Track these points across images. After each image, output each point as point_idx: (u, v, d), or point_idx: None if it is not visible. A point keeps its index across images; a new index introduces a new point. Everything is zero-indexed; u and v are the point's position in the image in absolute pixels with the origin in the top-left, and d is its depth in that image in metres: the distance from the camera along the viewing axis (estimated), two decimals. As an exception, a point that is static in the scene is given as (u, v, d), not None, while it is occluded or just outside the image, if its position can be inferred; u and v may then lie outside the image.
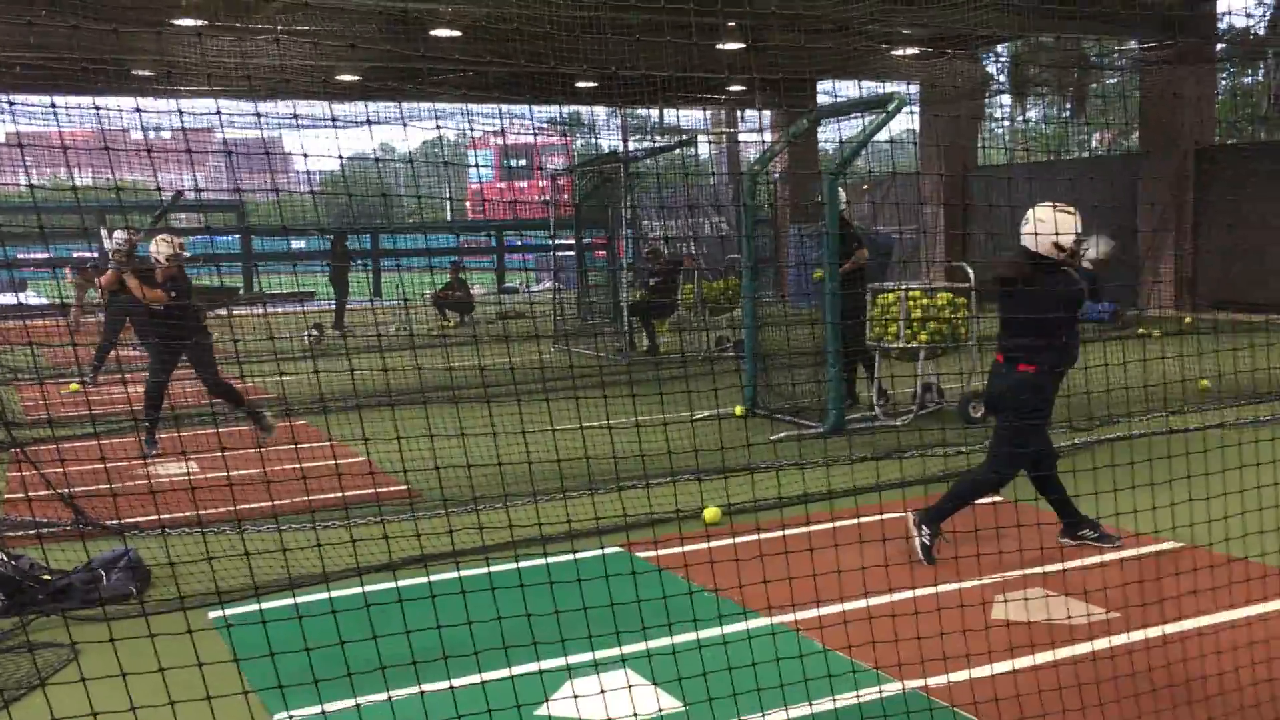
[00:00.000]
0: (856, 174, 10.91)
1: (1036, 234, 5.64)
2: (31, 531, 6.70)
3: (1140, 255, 18.73)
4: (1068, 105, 27.19)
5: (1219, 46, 20.24)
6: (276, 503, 6.21)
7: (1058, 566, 5.61)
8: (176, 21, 13.87)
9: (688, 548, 5.54)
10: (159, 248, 9.24)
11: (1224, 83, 27.36)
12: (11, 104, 10.20)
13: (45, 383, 12.57)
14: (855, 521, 5.11)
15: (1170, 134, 18.66)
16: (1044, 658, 4.38)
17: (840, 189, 10.14)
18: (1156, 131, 19.21)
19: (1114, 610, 4.87)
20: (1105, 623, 4.85)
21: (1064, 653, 4.43)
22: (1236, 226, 17.58)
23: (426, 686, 3.51)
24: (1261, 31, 21.74)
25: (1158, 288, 18.72)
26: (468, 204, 40.40)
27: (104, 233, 12.64)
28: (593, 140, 29.38)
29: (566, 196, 18.31)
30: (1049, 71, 23.06)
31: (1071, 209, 5.72)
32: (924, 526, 5.90)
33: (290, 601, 4.49)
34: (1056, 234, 5.62)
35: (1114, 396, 8.09)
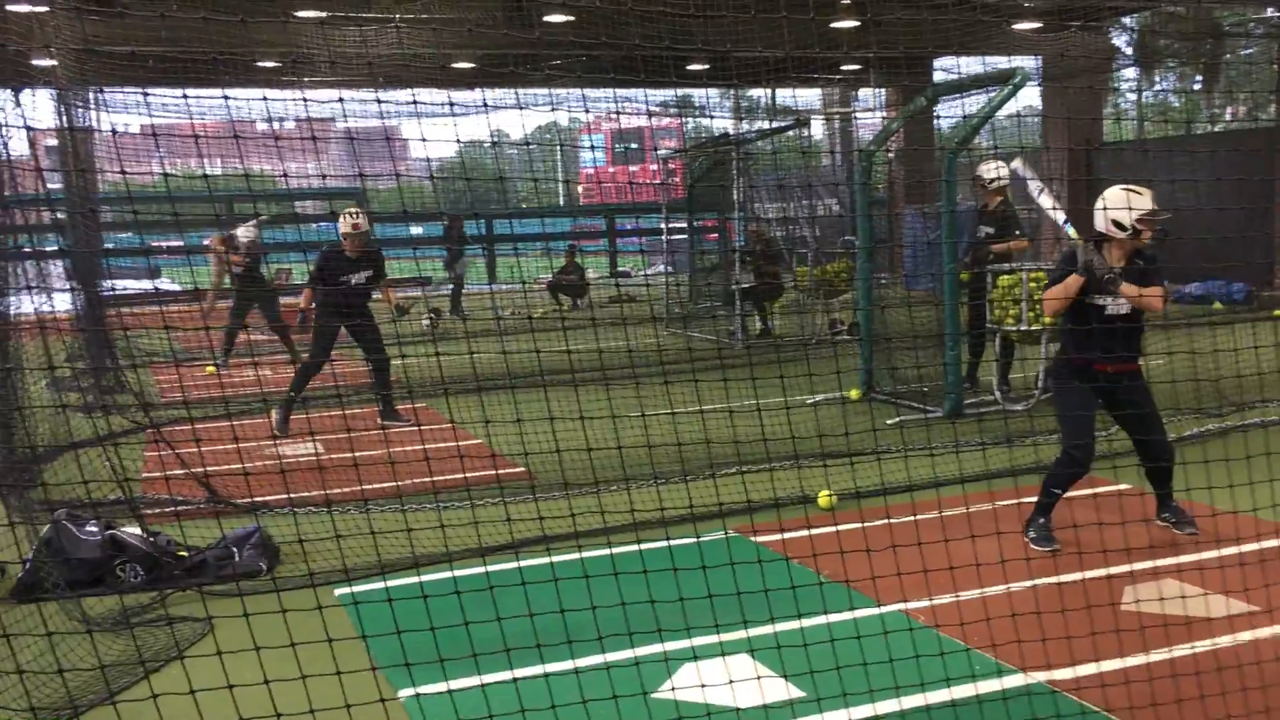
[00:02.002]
0: (975, 152, 10.64)
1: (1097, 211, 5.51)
2: (168, 509, 6.99)
3: (1276, 234, 17.90)
4: (1198, 77, 26.12)
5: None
6: (400, 483, 6.35)
7: (1191, 557, 5.42)
8: (299, 13, 14.24)
9: (799, 533, 5.50)
10: (341, 223, 9.40)
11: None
12: (147, 95, 10.60)
13: (180, 365, 13.08)
14: (988, 507, 5.01)
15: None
16: (1178, 650, 4.23)
17: (1000, 165, 9.98)
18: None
19: (1255, 604, 4.68)
20: (1246, 617, 4.67)
21: (1200, 645, 4.27)
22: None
23: (550, 667, 3.56)
24: None
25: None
26: (580, 188, 40.67)
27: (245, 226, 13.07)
28: (705, 122, 29.27)
29: (679, 179, 18.29)
30: (1179, 42, 22.16)
31: (1143, 190, 5.51)
32: (1029, 529, 5.78)
33: (414, 580, 4.60)
34: (1118, 213, 5.44)
35: (1247, 382, 7.75)
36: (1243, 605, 4.75)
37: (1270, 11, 19.30)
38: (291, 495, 6.75)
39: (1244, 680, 3.94)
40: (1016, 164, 6.10)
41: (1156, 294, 5.47)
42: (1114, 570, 4.99)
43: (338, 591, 5.39)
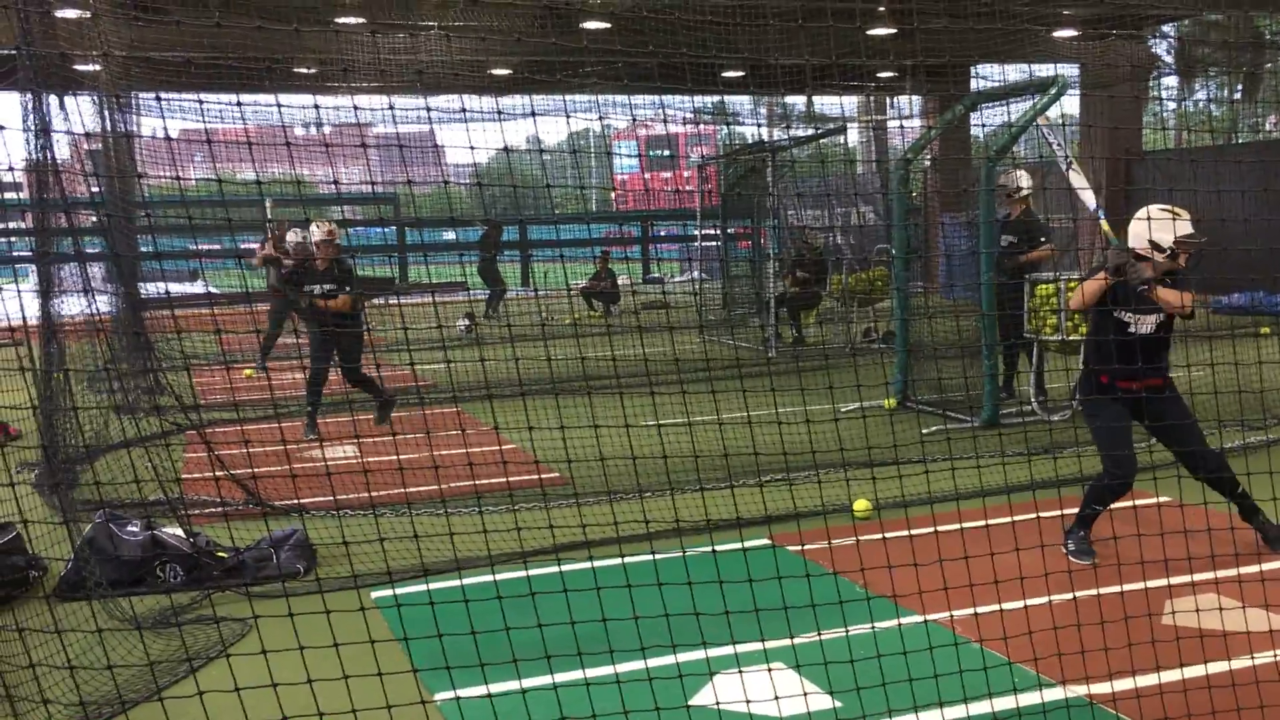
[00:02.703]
0: (1011, 160, 10.59)
1: (1134, 229, 5.51)
2: (207, 510, 7.07)
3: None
4: (1239, 86, 25.85)
5: None
6: (430, 488, 6.39)
7: (1232, 572, 5.36)
8: (340, 20, 14.39)
9: (840, 540, 5.49)
10: (312, 232, 9.69)
11: None
12: (203, 103, 10.75)
13: (218, 367, 13.21)
14: (1015, 519, 4.97)
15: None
16: (1218, 668, 4.19)
17: (1025, 175, 9.93)
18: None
19: (1295, 620, 4.63)
20: (1285, 632, 4.62)
21: (1239, 664, 4.23)
22: None
23: (591, 673, 3.57)
24: None
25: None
26: (613, 194, 40.74)
27: (285, 226, 13.22)
28: (738, 129, 29.25)
29: (712, 187, 18.30)
30: (1219, 51, 21.95)
31: (1183, 212, 5.47)
32: (1069, 542, 5.76)
33: (454, 584, 4.62)
34: (1157, 234, 5.40)
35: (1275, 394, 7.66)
36: (1286, 621, 4.70)
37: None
38: (328, 498, 6.81)
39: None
40: (1044, 128, 5.98)
41: (1187, 296, 5.43)
42: (1152, 584, 4.95)
43: (375, 594, 5.43)
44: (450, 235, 30.88)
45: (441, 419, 9.95)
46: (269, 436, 8.87)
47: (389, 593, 5.32)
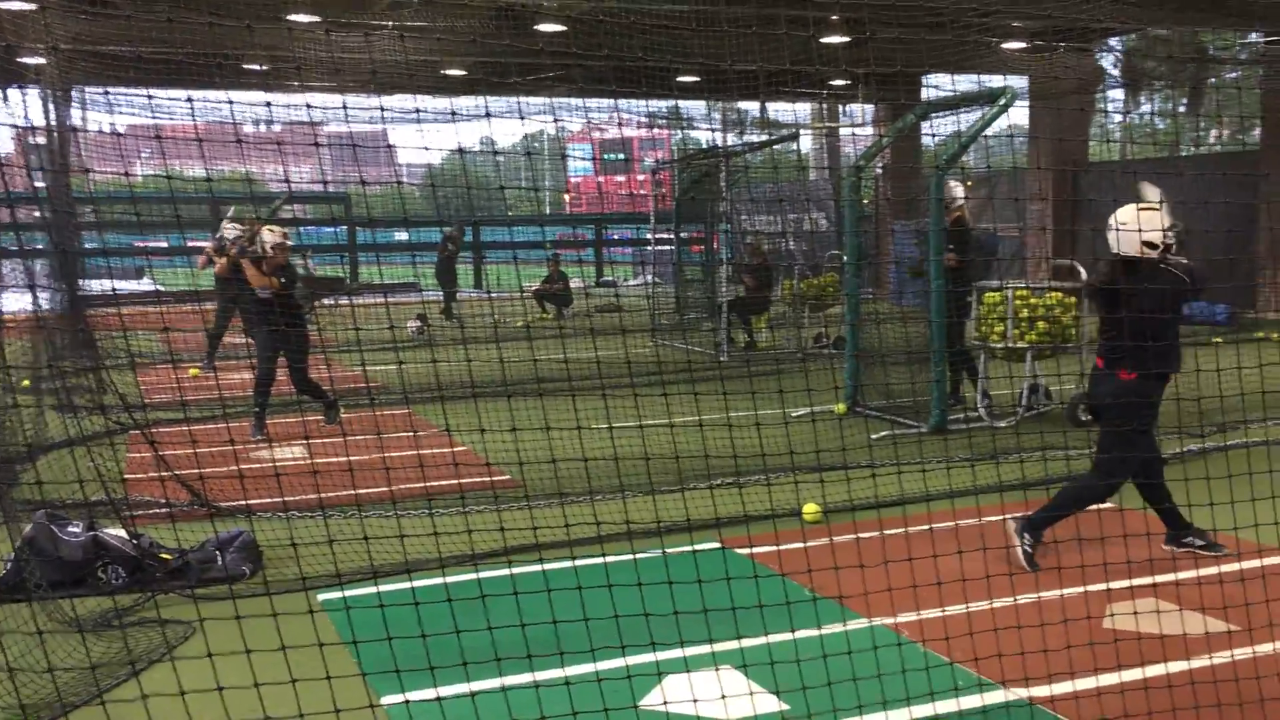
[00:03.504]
0: (961, 169, 10.72)
1: (1119, 235, 5.58)
2: (151, 511, 6.97)
3: (1259, 256, 18.07)
4: (1183, 100, 26.35)
5: (1348, 39, 19.39)
6: (380, 490, 6.35)
7: (1171, 577, 5.47)
8: (291, 17, 14.24)
9: (788, 544, 5.54)
10: (265, 237, 9.60)
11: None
12: (152, 98, 10.61)
13: (163, 366, 13.03)
14: (959, 523, 5.05)
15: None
16: (1155, 671, 4.28)
17: (959, 185, 10.02)
18: (1278, 128, 18.50)
19: (1233, 624, 4.74)
20: (1224, 637, 4.72)
21: (1177, 667, 4.32)
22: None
23: (538, 675, 3.57)
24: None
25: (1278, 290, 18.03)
26: (567, 197, 40.71)
27: (225, 223, 13.08)
28: (693, 134, 29.37)
29: (666, 191, 18.36)
30: (1165, 65, 22.36)
31: (1156, 205, 5.57)
32: (1025, 534, 5.81)
33: (403, 586, 4.60)
34: (1141, 232, 5.49)
35: (1229, 403, 7.83)
36: (1221, 624, 4.81)
37: (1254, 36, 19.50)
38: (274, 499, 6.75)
39: (1220, 698, 3.99)
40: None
41: None
42: (1093, 587, 5.04)
43: (322, 596, 5.39)
44: (403, 236, 30.70)
45: (392, 420, 9.90)
46: (216, 437, 8.77)
47: (337, 595, 5.28)
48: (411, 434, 8.90)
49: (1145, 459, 5.78)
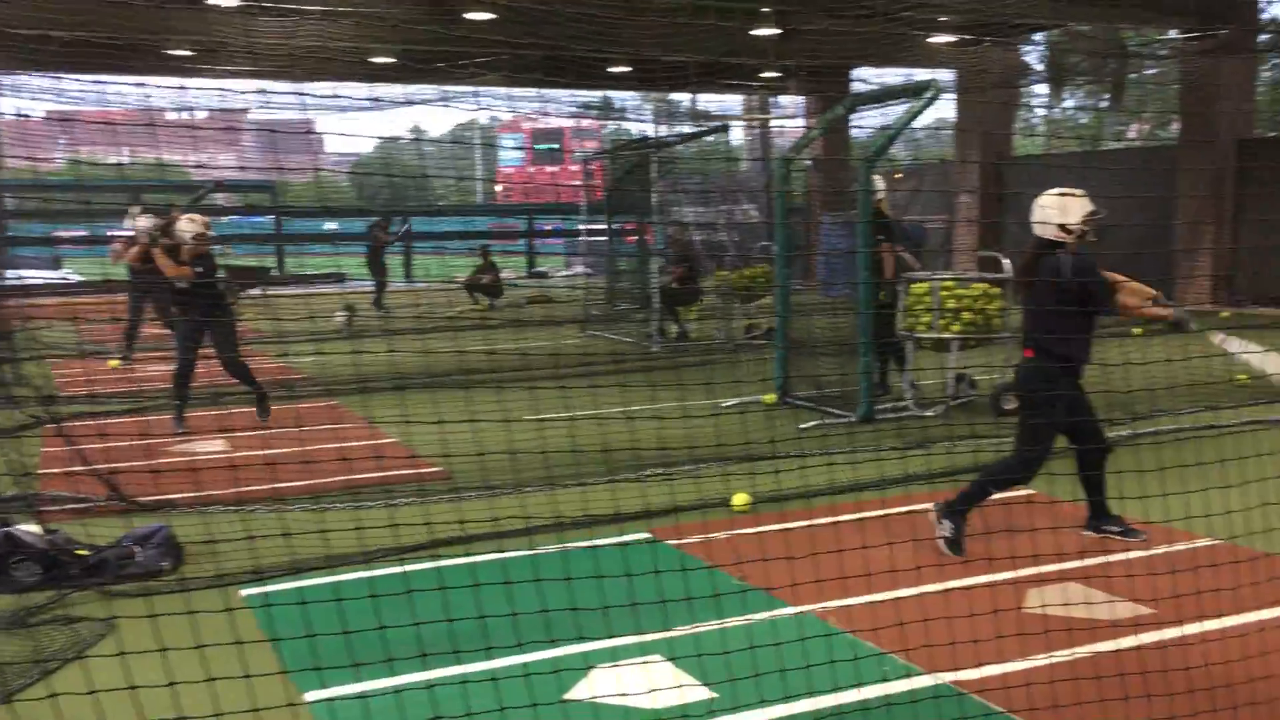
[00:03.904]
0: (889, 162, 10.84)
1: (1041, 217, 5.66)
2: (66, 506, 6.78)
3: (1177, 249, 18.51)
4: (1105, 95, 26.88)
5: (1261, 37, 19.92)
6: (303, 483, 6.24)
7: (1095, 561, 5.57)
8: (214, 1, 13.93)
9: (717, 534, 5.54)
10: (185, 226, 9.35)
11: (1265, 74, 26.95)
12: (59, 78, 10.28)
13: (83, 359, 12.70)
14: (888, 512, 5.09)
15: (1210, 126, 18.40)
16: (1079, 652, 4.34)
17: (879, 178, 10.10)
18: (1195, 123, 18.95)
19: (1152, 606, 4.82)
20: (1143, 618, 4.81)
21: (1102, 648, 4.39)
22: (1276, 221, 17.33)
23: (465, 668, 3.52)
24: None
25: (1195, 282, 18.48)
26: (498, 187, 40.46)
27: (133, 211, 12.75)
28: (625, 126, 29.33)
29: (598, 181, 18.29)
30: (1087, 60, 22.79)
31: (1079, 192, 5.67)
32: (945, 520, 5.83)
33: (327, 580, 4.52)
34: (1063, 217, 5.60)
35: (1146, 393, 8.00)
36: (1144, 610, 4.89)
37: (1173, 33, 19.95)
38: (196, 493, 6.60)
39: (1147, 684, 4.06)
40: (1230, 343, 6.21)
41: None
42: (1022, 573, 5.10)
43: (244, 592, 5.28)
44: (331, 225, 30.26)
45: (318, 413, 9.73)
46: (134, 430, 8.55)
47: (259, 590, 5.17)
48: (333, 426, 8.77)
49: (1082, 450, 5.83)
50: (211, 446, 8.69)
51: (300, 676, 4.10)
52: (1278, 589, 4.64)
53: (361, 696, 3.46)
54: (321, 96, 16.01)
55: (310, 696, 4.01)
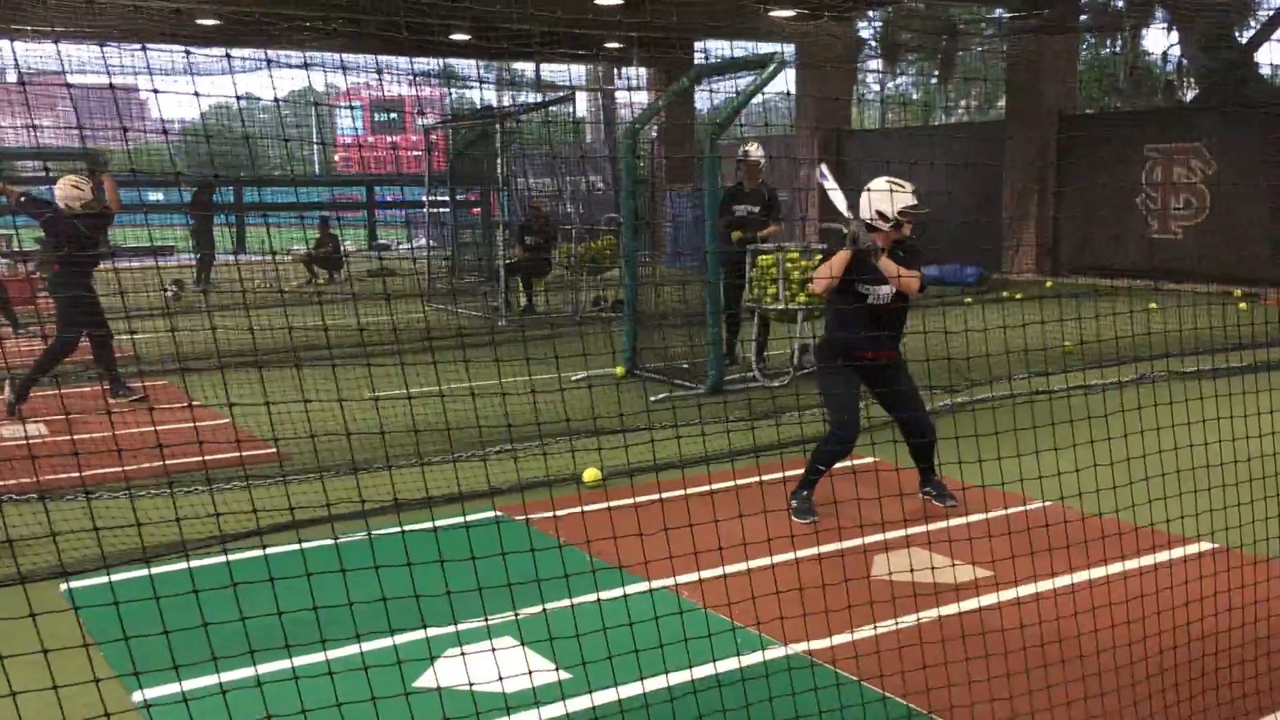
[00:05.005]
0: (733, 136, 10.88)
1: (867, 197, 5.77)
2: None
3: (1004, 220, 19.21)
4: (935, 71, 27.68)
5: (1081, 18, 20.78)
6: (115, 469, 5.83)
7: (937, 525, 5.67)
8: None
9: (564, 511, 5.42)
10: (68, 192, 8.71)
11: (1085, 54, 28.20)
12: None
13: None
14: (739, 483, 5.04)
15: (1033, 102, 19.12)
16: (925, 616, 4.39)
17: (755, 146, 10.23)
18: (1020, 99, 19.66)
19: (989, 568, 4.92)
20: (983, 580, 4.91)
21: (946, 611, 4.44)
22: (1095, 193, 18.16)
23: (296, 661, 3.30)
24: (1120, 4, 22.40)
25: (1021, 252, 19.22)
26: (337, 157, 39.28)
27: None
28: (467, 94, 28.77)
29: (440, 152, 17.85)
30: (919, 37, 23.40)
31: (908, 186, 5.75)
32: (793, 500, 5.92)
33: (141, 574, 4.20)
34: (882, 205, 5.70)
35: (978, 360, 8.22)
36: (984, 572, 5.00)
37: (999, 12, 20.62)
38: (6, 481, 6.12)
39: (986, 644, 4.13)
40: (823, 170, 6.18)
41: (914, 275, 5.65)
42: (869, 540, 5.14)
43: (62, 588, 4.90)
44: (157, 196, 28.77)
45: (151, 393, 9.19)
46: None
47: (63, 588, 4.81)
48: (166, 407, 8.29)
49: (919, 418, 5.92)
50: (14, 431, 8.09)
51: (127, 678, 3.80)
52: (1103, 548, 4.80)
53: (183, 699, 3.20)
54: (152, 63, 15.15)
55: (138, 696, 3.73)
